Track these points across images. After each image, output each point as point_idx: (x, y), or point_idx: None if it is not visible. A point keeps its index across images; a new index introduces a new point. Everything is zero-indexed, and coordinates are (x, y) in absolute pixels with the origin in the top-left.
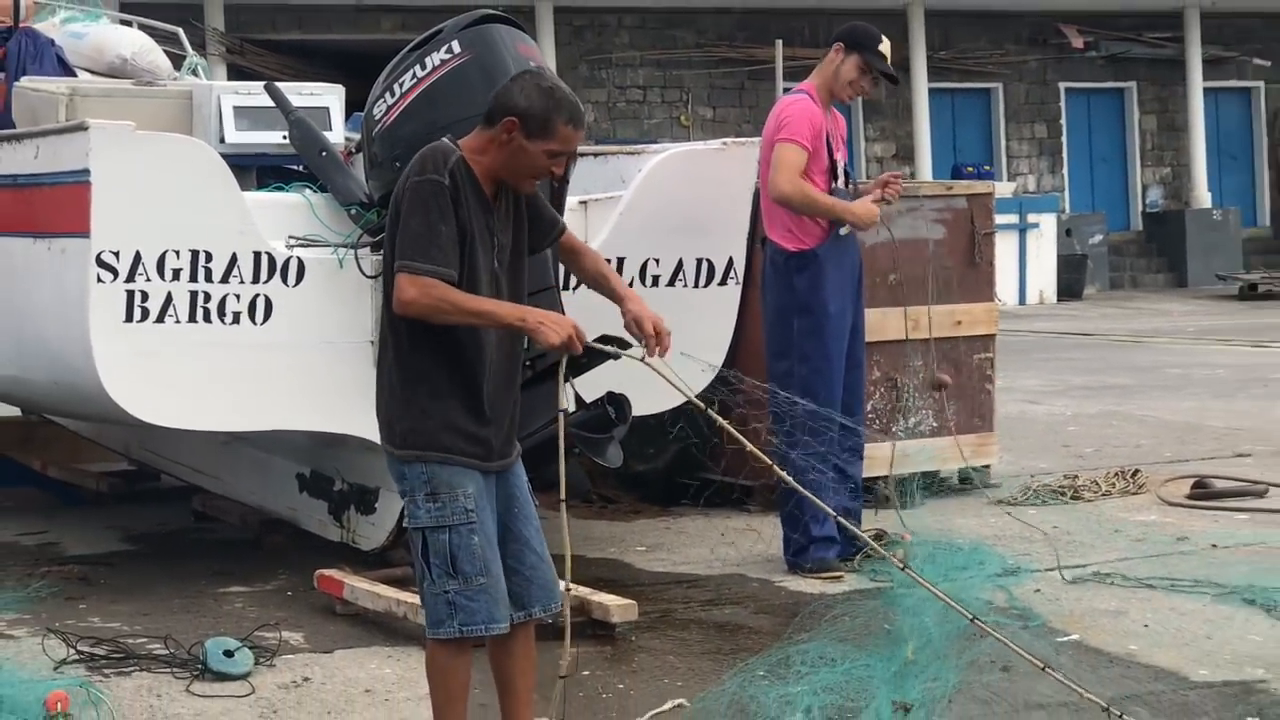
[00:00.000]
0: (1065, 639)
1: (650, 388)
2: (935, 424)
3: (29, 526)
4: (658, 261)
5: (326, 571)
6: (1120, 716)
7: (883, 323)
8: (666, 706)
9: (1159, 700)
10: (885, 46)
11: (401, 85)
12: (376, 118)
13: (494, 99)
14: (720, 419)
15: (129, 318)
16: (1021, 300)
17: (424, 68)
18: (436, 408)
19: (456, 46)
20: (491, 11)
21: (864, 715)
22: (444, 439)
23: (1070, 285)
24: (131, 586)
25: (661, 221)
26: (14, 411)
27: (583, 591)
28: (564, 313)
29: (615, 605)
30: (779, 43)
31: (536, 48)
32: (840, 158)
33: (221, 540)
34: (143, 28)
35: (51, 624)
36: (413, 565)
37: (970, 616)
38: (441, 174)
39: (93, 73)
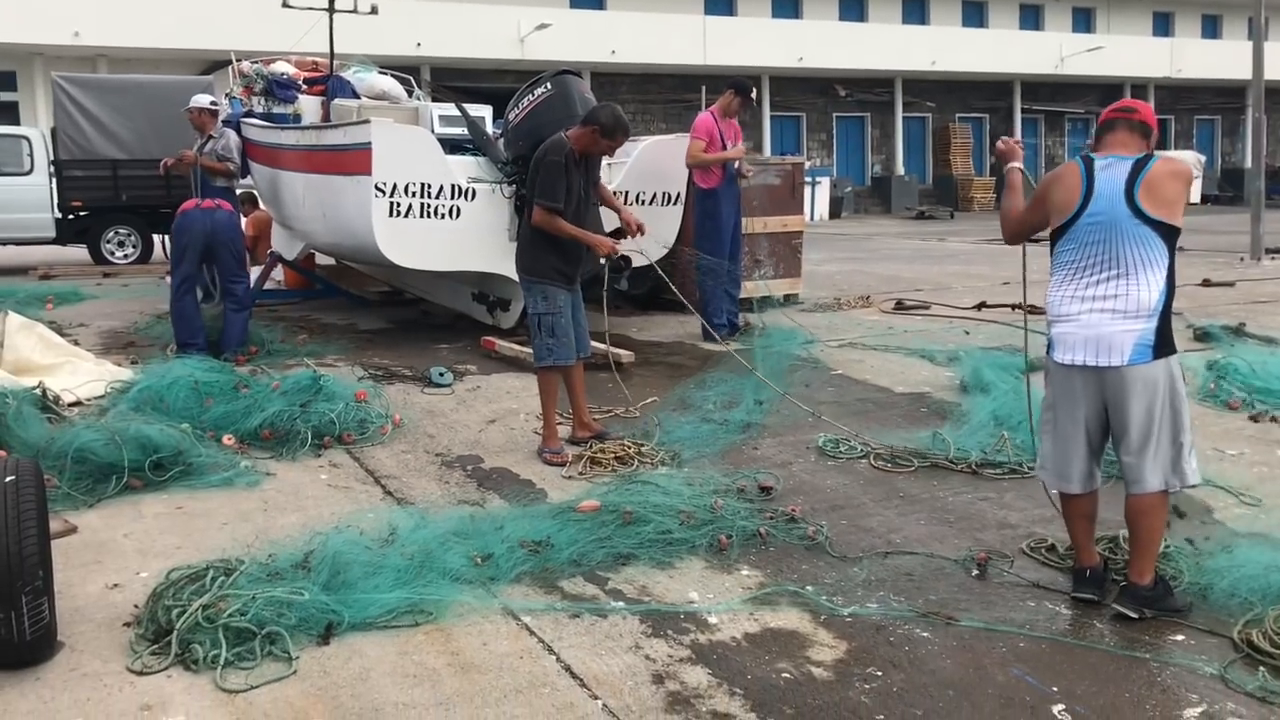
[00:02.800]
0: (835, 372)
1: (638, 255)
2: (774, 273)
3: (340, 317)
4: (644, 193)
5: (487, 336)
6: (817, 415)
7: (750, 224)
8: (647, 400)
9: (880, 399)
10: (753, 92)
11: (520, 105)
12: (510, 121)
13: (590, 113)
14: (662, 272)
15: (392, 215)
16: (811, 219)
17: (532, 96)
18: (546, 258)
19: (548, 86)
20: (566, 69)
21: (741, 407)
22: (550, 274)
23: (836, 211)
24: (393, 344)
25: (646, 173)
26: (331, 261)
27: (609, 348)
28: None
29: (624, 354)
30: (703, 88)
31: (587, 85)
32: (730, 142)
33: (436, 324)
34: (394, 76)
35: (353, 361)
36: (529, 335)
37: (778, 387)
38: (560, 156)
39: (369, 98)
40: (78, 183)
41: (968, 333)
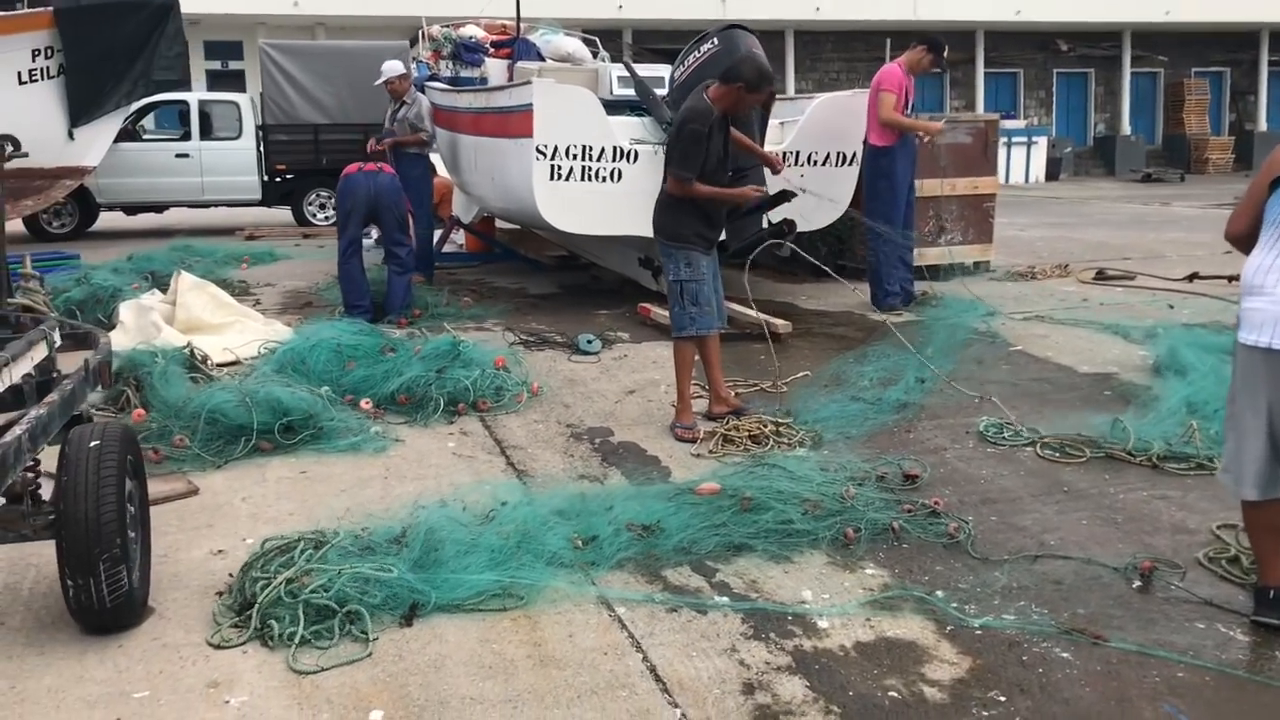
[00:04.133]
0: (1014, 349)
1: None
2: (962, 239)
3: (512, 281)
4: (816, 154)
5: (644, 304)
6: (984, 399)
7: (937, 187)
8: (798, 375)
9: (1059, 380)
10: (945, 51)
11: (686, 62)
12: (676, 79)
13: (731, 69)
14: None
15: (553, 178)
16: (1027, 180)
17: (698, 53)
18: (687, 222)
19: (715, 41)
20: (736, 22)
21: (900, 384)
22: (692, 238)
23: (1053, 173)
24: (555, 309)
25: (819, 133)
26: (513, 226)
27: (765, 317)
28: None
29: (781, 323)
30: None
31: (756, 40)
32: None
33: (602, 289)
34: (582, 38)
35: (509, 325)
36: (669, 303)
37: (942, 365)
38: (704, 125)
39: (554, 59)
40: (282, 147)
41: (1172, 307)
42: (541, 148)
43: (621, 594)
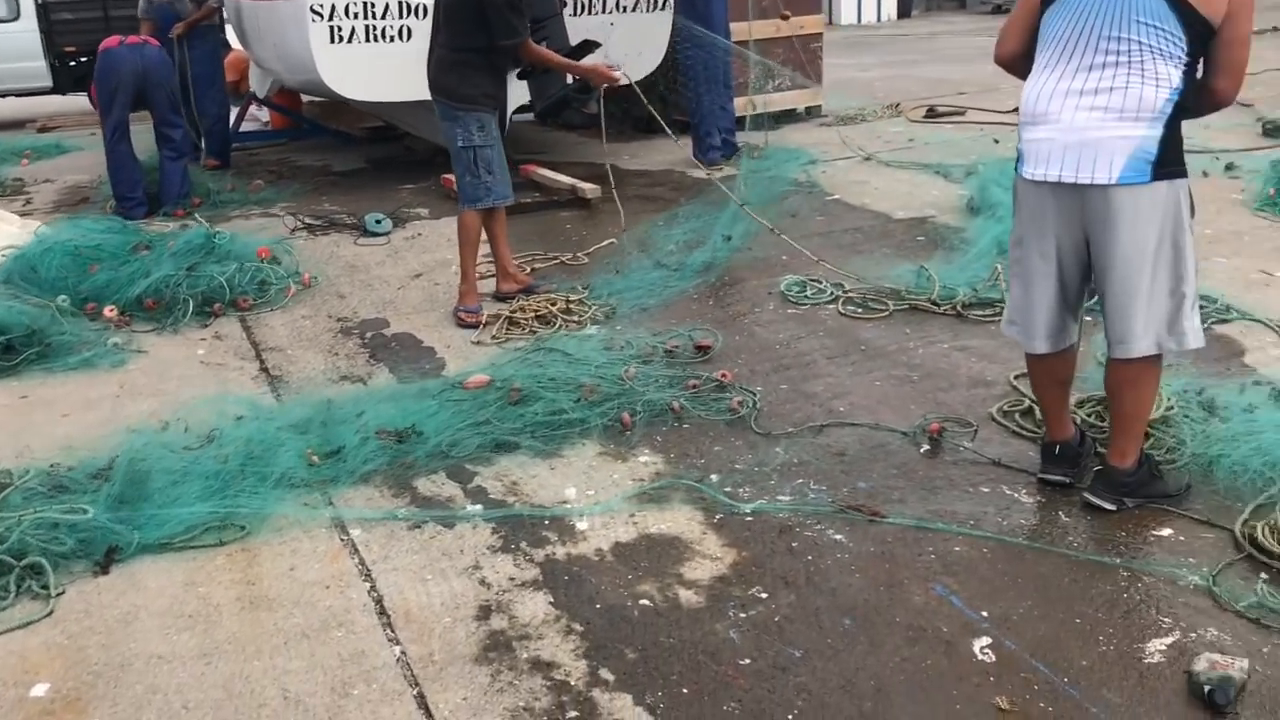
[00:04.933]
0: (830, 198)
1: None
2: (791, 83)
3: (318, 158)
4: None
5: (446, 174)
6: (776, 231)
7: (762, 29)
8: (604, 243)
9: (873, 228)
10: None
11: None
12: None
13: None
14: (639, 91)
15: (334, 41)
16: (878, 18)
17: None
18: (476, 80)
19: None
20: None
21: (704, 246)
22: (481, 99)
23: (905, 10)
24: (357, 187)
25: None
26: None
27: (573, 181)
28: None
29: (589, 187)
30: None
31: None
32: None
33: (413, 161)
34: None
35: (302, 208)
36: (455, 173)
37: (740, 203)
38: None
39: None
40: (68, 26)
41: (997, 141)
42: (317, 8)
43: (359, 513)
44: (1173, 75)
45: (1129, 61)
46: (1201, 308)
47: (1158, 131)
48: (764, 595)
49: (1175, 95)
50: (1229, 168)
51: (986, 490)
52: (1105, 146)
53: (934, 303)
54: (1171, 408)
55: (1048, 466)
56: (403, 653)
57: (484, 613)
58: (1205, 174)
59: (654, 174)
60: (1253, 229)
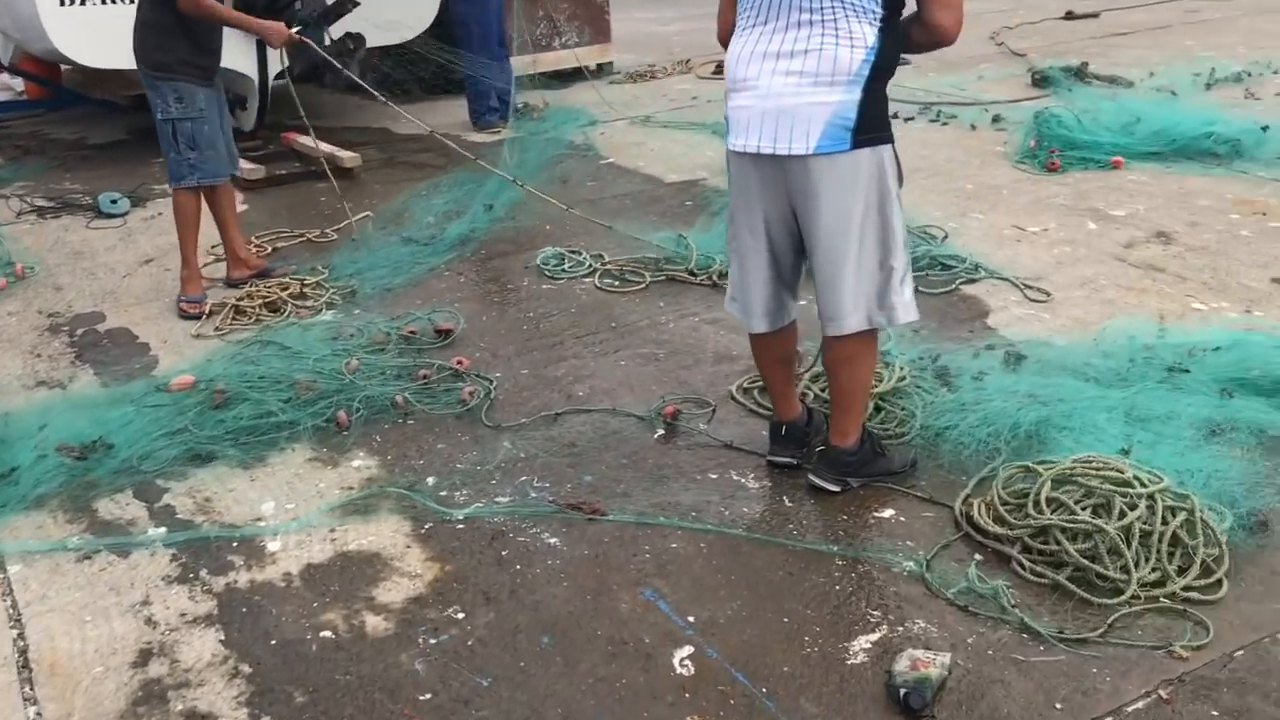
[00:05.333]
0: (605, 161)
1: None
2: (578, 39)
3: (75, 130)
4: None
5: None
6: (569, 208)
7: None
8: (359, 216)
9: (643, 193)
10: None
11: None
12: None
13: None
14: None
15: (63, 3)
16: None
17: None
18: (170, 46)
19: None
20: None
21: (464, 216)
22: (180, 67)
23: None
24: (110, 161)
25: None
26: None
27: (332, 149)
28: None
29: (349, 155)
30: None
31: None
32: None
33: None
34: None
35: (37, 188)
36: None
37: (514, 180)
38: None
39: None
40: None
41: None
42: None
43: (22, 546)
44: (868, 34)
45: (823, 20)
46: (949, 268)
47: (855, 96)
48: (460, 615)
49: (871, 55)
50: (996, 119)
51: (715, 477)
52: (802, 114)
53: (691, 273)
54: (904, 378)
55: (775, 448)
56: (38, 714)
57: (143, 658)
58: (974, 126)
59: (426, 139)
60: (1011, 183)
